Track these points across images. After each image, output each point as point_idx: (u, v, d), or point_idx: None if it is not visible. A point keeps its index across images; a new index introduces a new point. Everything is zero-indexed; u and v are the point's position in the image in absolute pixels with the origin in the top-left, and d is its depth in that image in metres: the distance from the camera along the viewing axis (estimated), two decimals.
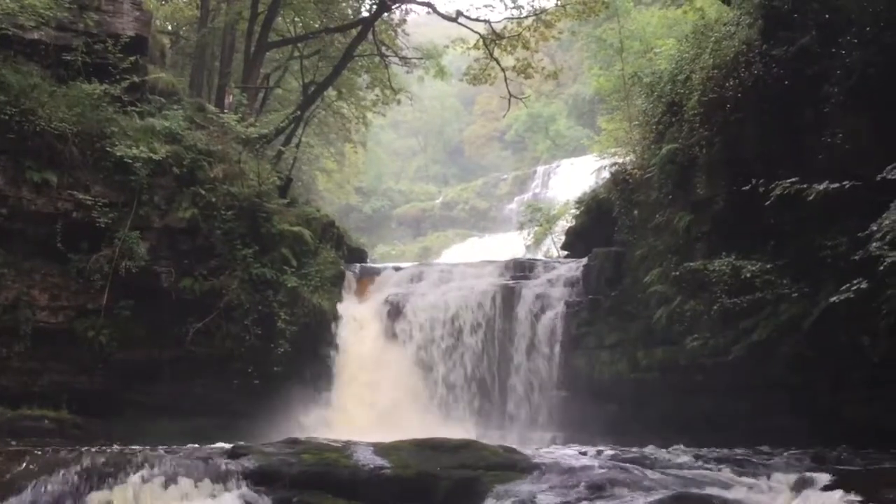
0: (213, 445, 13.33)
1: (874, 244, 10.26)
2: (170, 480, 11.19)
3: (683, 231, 16.21)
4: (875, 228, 10.28)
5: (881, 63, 11.91)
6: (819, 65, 12.93)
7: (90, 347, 16.36)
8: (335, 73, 28.33)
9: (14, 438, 13.67)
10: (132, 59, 18.08)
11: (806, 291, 13.07)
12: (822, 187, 10.86)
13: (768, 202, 11.77)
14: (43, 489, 10.92)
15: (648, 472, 11.26)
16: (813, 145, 12.82)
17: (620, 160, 20.84)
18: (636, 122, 20.43)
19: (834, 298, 11.38)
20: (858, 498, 6.99)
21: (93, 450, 12.29)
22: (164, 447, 12.74)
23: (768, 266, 13.51)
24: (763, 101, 13.87)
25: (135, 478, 11.18)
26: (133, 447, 12.62)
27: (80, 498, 10.89)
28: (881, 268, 10.18)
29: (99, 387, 16.42)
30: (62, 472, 11.18)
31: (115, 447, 12.69)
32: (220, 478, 11.30)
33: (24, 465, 11.47)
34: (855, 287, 10.89)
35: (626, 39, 24.39)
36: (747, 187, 12.18)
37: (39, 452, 12.22)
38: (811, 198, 10.91)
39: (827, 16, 12.92)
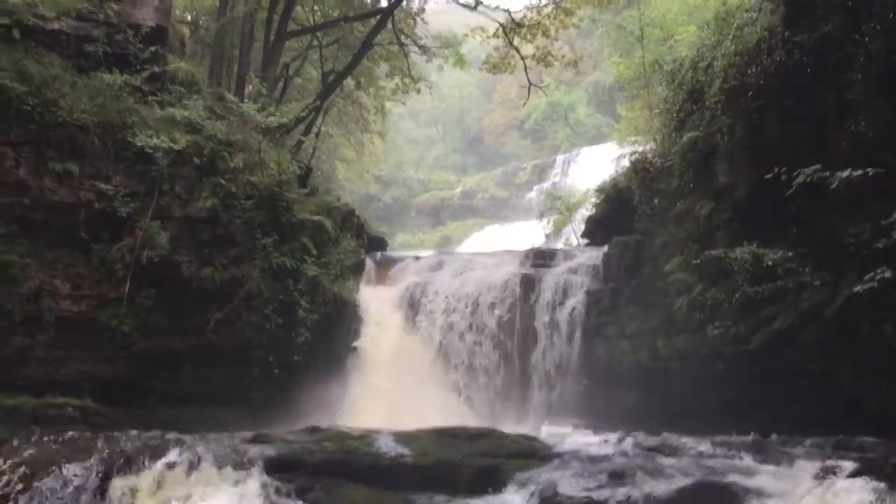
0: (235, 433, 13.46)
1: None
2: (192, 467, 11.35)
3: (704, 219, 16.14)
4: None
5: None
6: (842, 51, 12.83)
7: (112, 336, 16.46)
8: (354, 62, 28.36)
9: (39, 426, 13.73)
10: (152, 49, 18.18)
11: (828, 280, 12.98)
12: (844, 175, 10.82)
13: (791, 190, 11.72)
14: (68, 475, 11.08)
15: (669, 460, 11.28)
16: (836, 133, 12.73)
17: (641, 148, 20.76)
18: (657, 110, 20.36)
19: (857, 287, 11.34)
20: (883, 485, 6.96)
21: (116, 437, 12.39)
22: (187, 435, 12.85)
23: (790, 254, 13.43)
24: (785, 88, 13.77)
25: (158, 464, 11.34)
26: (156, 434, 12.72)
27: (104, 484, 11.06)
28: None
29: (121, 375, 16.53)
30: (87, 458, 11.34)
31: (139, 434, 12.77)
32: (243, 465, 11.43)
33: (50, 452, 11.62)
34: (878, 276, 10.85)
35: (646, 27, 24.20)
36: (769, 175, 12.13)
37: (64, 440, 12.37)
38: (834, 185, 10.87)
39: (850, 2, 12.81)
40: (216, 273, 17.45)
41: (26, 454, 11.48)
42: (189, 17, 30.98)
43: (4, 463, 11.25)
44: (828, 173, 11.02)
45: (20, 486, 10.97)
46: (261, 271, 17.91)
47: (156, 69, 18.63)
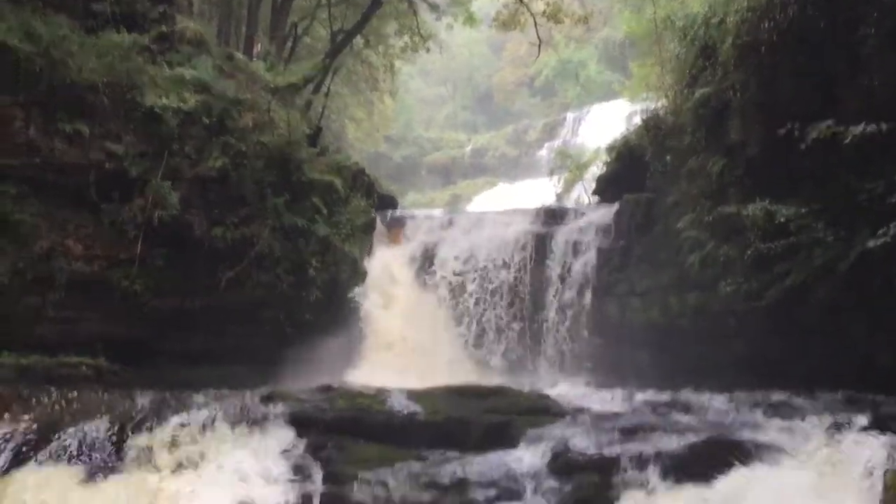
0: (247, 392, 13.53)
1: None
2: (206, 426, 11.42)
3: (717, 176, 16.05)
4: None
5: None
6: (855, 7, 12.69)
7: (124, 296, 16.48)
8: (363, 21, 28.20)
9: (53, 385, 13.78)
10: (160, 9, 18.08)
11: (841, 235, 12.92)
12: (858, 130, 10.74)
13: (803, 146, 11.63)
14: (84, 434, 11.18)
15: (681, 417, 11.35)
16: (849, 88, 12.63)
17: (652, 105, 20.62)
18: (668, 67, 20.16)
19: (870, 243, 11.30)
20: None
21: (131, 396, 12.48)
22: (201, 394, 12.93)
23: (803, 210, 13.37)
24: (798, 43, 13.63)
25: (172, 423, 11.43)
26: (170, 393, 12.80)
27: (119, 442, 11.16)
28: None
29: (134, 335, 16.58)
30: (102, 417, 11.44)
31: (153, 393, 12.86)
32: (256, 422, 11.53)
33: (66, 410, 11.72)
34: (892, 231, 10.81)
35: None
36: (782, 131, 12.04)
37: (79, 398, 12.47)
38: (847, 141, 10.79)
39: None
40: (227, 233, 17.41)
41: (42, 413, 11.59)
42: None
43: (21, 421, 11.36)
44: (841, 129, 10.92)
45: (36, 443, 11.09)
46: (271, 231, 17.89)
47: (164, 29, 18.50)
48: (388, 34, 34.72)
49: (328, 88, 27.19)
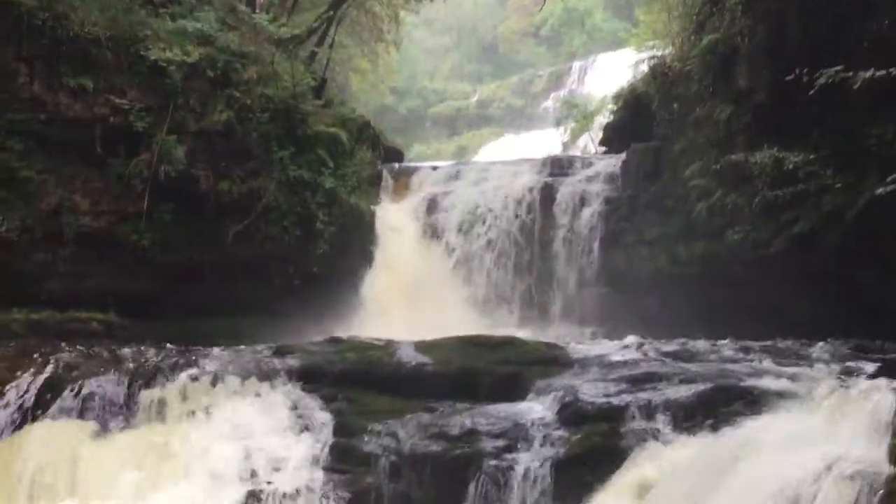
0: (257, 345, 13.61)
1: None
2: (217, 378, 11.50)
3: (724, 124, 15.97)
4: None
5: None
6: None
7: (133, 251, 16.52)
8: None
9: (64, 340, 13.90)
10: None
11: (850, 182, 12.86)
12: (867, 75, 10.57)
13: (812, 92, 11.50)
14: (97, 388, 11.27)
15: (689, 365, 11.35)
16: (858, 33, 12.47)
17: (659, 53, 20.45)
18: (675, 13, 19.97)
19: (879, 190, 11.21)
20: None
21: (142, 350, 12.55)
22: (211, 347, 12.99)
23: (811, 157, 13.29)
24: None
25: (183, 376, 11.52)
26: (180, 347, 12.86)
27: (132, 395, 11.27)
28: None
29: (143, 289, 16.62)
30: (115, 371, 11.52)
31: (164, 347, 12.92)
32: (266, 375, 11.61)
33: (79, 365, 11.80)
34: None
35: None
36: (790, 77, 11.89)
37: (91, 352, 12.54)
38: (856, 86, 10.62)
39: None
40: (233, 186, 17.42)
41: (54, 368, 11.66)
42: None
43: (33, 375, 11.44)
44: (850, 74, 10.77)
45: (49, 397, 11.18)
46: (278, 184, 17.88)
47: None
48: None
49: (332, 40, 26.91)
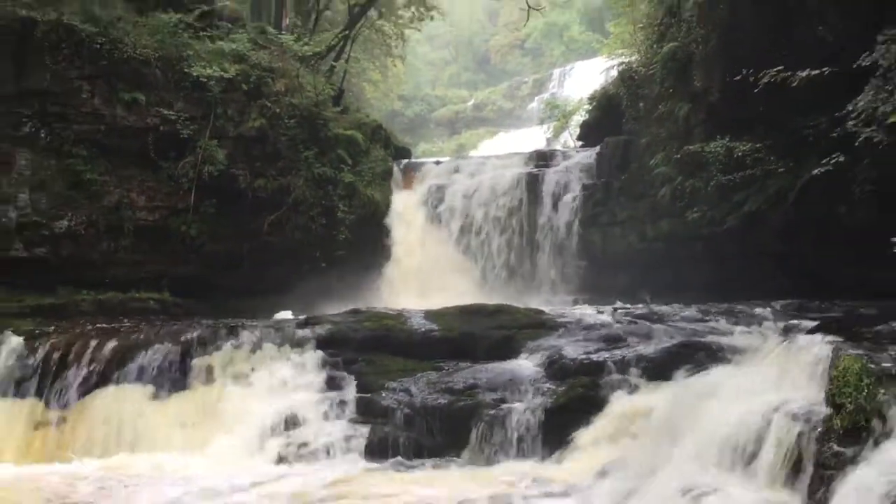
0: (289, 317, 13.65)
1: (850, 122, 10.05)
2: (256, 346, 11.56)
3: (683, 119, 15.92)
4: (851, 109, 10.04)
5: None
6: None
7: (183, 241, 16.57)
8: None
9: (126, 317, 14.08)
10: None
11: (791, 166, 12.86)
12: (804, 74, 10.53)
13: (757, 89, 11.45)
14: (156, 356, 11.33)
15: (657, 326, 11.38)
16: (803, 38, 12.37)
17: (627, 60, 20.38)
18: (640, 25, 19.92)
19: (815, 171, 11.20)
20: (839, 338, 7.00)
21: (193, 324, 12.58)
22: (252, 321, 13.02)
23: (758, 146, 13.28)
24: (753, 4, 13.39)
25: (227, 345, 11.58)
26: (225, 321, 12.89)
27: (185, 362, 11.33)
28: (856, 143, 9.99)
29: (192, 273, 16.63)
30: (170, 343, 11.56)
31: (211, 321, 12.95)
32: (298, 343, 11.64)
33: (140, 337, 11.84)
34: (833, 160, 10.72)
35: None
36: (739, 77, 11.84)
37: (150, 327, 12.57)
38: (795, 84, 10.58)
39: None
40: (267, 183, 17.44)
41: (119, 339, 11.70)
42: None
43: (102, 345, 11.48)
44: (789, 73, 10.72)
45: (114, 365, 11.23)
46: (305, 180, 17.91)
47: (205, 8, 18.69)
48: (399, 6, 34.17)
49: (348, 55, 26.84)
